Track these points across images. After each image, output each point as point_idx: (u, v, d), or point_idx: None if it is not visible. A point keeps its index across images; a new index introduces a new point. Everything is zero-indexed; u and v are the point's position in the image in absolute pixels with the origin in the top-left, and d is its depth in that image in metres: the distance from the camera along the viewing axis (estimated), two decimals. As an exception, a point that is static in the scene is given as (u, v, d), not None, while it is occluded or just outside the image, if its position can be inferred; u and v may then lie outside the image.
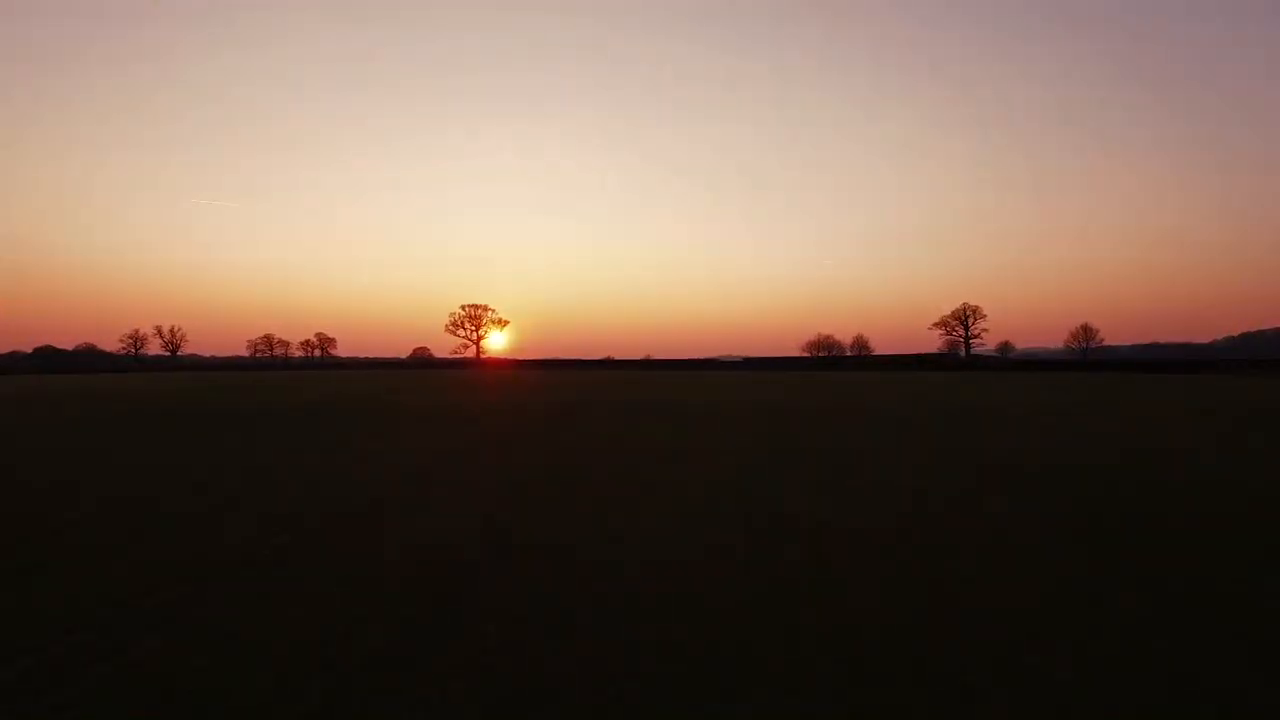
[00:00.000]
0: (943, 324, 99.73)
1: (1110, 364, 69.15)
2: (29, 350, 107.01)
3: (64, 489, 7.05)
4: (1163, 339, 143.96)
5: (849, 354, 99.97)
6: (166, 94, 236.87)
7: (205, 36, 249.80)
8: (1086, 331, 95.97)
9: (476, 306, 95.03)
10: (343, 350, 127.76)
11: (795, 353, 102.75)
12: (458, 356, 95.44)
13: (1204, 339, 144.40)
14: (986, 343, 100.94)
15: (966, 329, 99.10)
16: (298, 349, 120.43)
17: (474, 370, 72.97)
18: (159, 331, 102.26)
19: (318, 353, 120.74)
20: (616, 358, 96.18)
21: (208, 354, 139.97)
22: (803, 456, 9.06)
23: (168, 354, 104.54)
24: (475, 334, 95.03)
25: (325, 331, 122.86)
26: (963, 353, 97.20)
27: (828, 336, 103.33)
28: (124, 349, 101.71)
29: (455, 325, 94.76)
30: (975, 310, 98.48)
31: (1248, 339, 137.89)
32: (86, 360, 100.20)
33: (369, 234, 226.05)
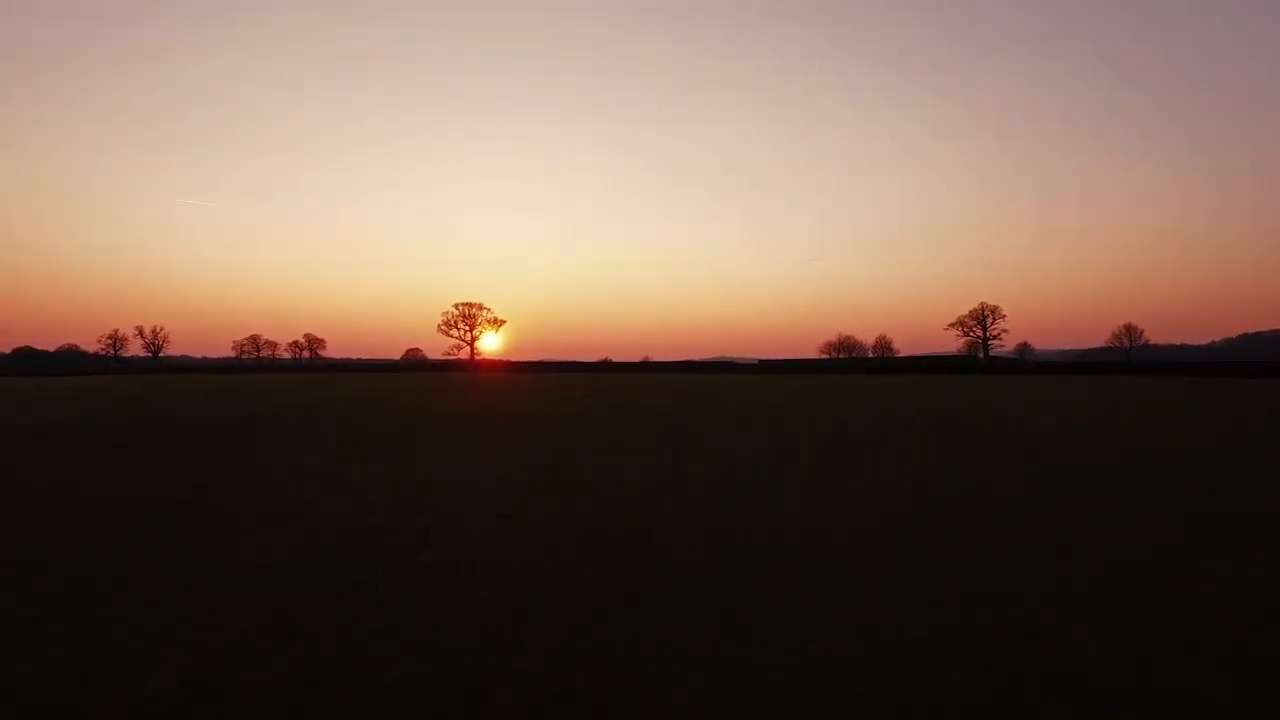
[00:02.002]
0: (959, 324, 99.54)
1: (1144, 366, 68.16)
2: (7, 351, 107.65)
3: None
4: (1159, 340, 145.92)
5: (871, 355, 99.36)
6: (159, 95, 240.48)
7: (203, 37, 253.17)
8: (1130, 332, 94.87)
9: (470, 305, 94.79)
10: (332, 351, 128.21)
11: (812, 354, 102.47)
12: (450, 358, 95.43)
13: (1202, 340, 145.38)
14: (1005, 344, 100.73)
15: (985, 330, 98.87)
16: (285, 350, 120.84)
17: (468, 373, 73.01)
18: (140, 332, 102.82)
19: (306, 354, 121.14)
20: (615, 360, 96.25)
21: (197, 355, 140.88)
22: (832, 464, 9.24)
23: (149, 355, 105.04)
24: (469, 334, 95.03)
25: (314, 332, 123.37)
26: (981, 354, 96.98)
27: (848, 337, 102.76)
28: (103, 349, 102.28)
29: (448, 325, 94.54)
30: (994, 310, 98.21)
31: (1246, 340, 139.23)
32: (70, 361, 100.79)
33: (360, 233, 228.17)
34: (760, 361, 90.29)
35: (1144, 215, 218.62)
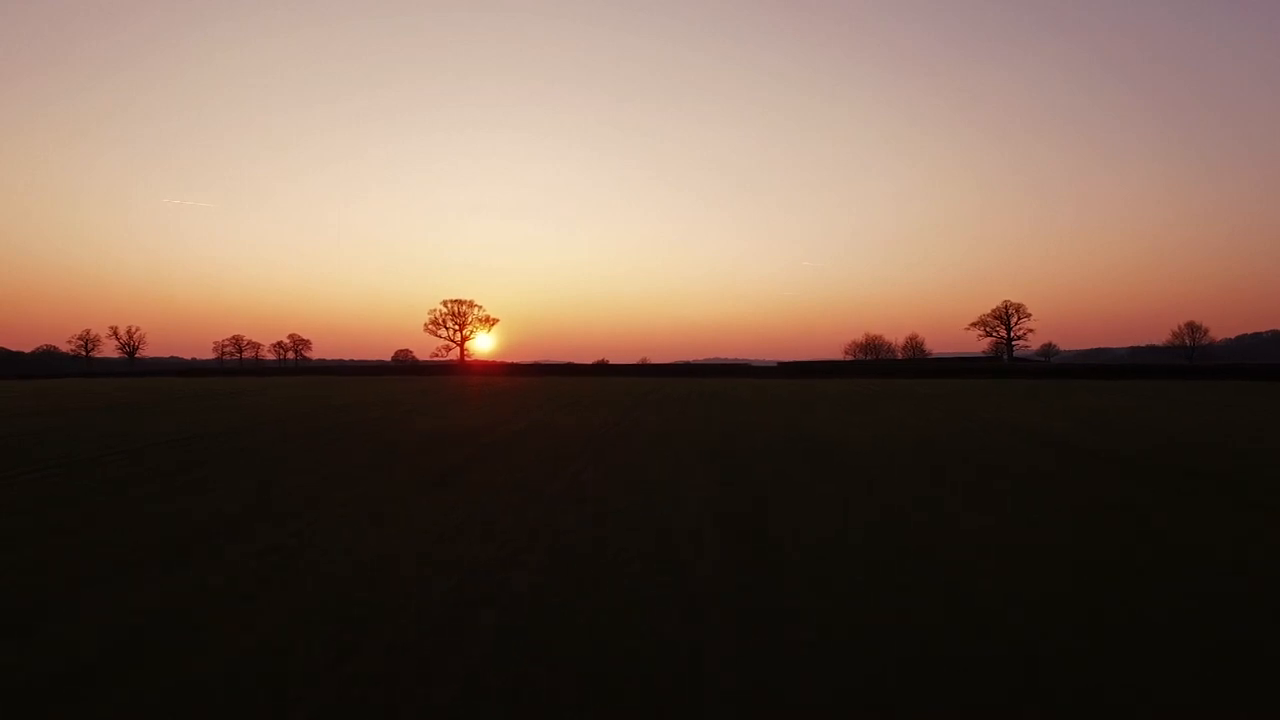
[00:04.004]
0: (981, 324, 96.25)
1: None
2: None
3: None
4: (1161, 341, 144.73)
5: (900, 357, 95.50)
6: (149, 95, 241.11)
7: (192, 36, 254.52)
8: (1193, 331, 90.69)
9: (460, 302, 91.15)
10: (318, 352, 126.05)
11: (820, 354, 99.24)
12: (438, 359, 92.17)
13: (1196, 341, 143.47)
14: (1030, 344, 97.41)
15: (1009, 329, 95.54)
16: (269, 351, 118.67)
17: (462, 376, 69.91)
18: (114, 332, 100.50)
19: (291, 355, 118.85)
20: (612, 361, 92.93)
21: (186, 357, 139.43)
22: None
23: (125, 356, 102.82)
24: (459, 334, 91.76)
25: (299, 332, 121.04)
26: (1005, 356, 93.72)
27: (876, 337, 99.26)
28: (74, 351, 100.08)
29: (436, 324, 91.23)
30: (1019, 309, 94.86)
31: (1242, 341, 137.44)
32: (48, 364, 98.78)
33: (349, 233, 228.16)
34: (779, 364, 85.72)
35: (1140, 215, 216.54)
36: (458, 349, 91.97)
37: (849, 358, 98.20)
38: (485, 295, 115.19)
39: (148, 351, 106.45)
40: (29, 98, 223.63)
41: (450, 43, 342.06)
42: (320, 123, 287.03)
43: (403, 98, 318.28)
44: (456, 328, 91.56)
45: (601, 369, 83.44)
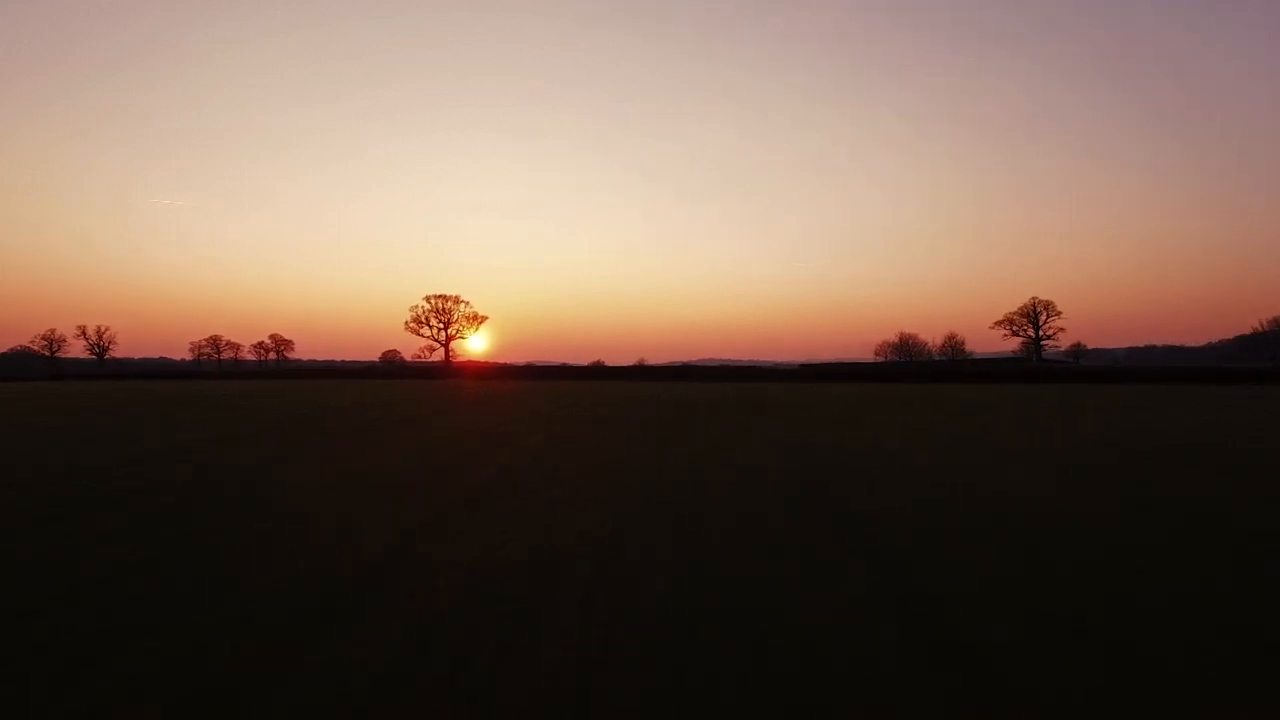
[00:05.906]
0: (1007, 322, 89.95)
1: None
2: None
3: None
4: (1154, 342, 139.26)
5: (938, 358, 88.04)
6: (151, 95, 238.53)
7: (193, 37, 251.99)
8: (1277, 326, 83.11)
9: (444, 298, 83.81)
10: (306, 353, 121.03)
11: (859, 355, 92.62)
12: (420, 360, 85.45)
13: (1194, 342, 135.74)
14: (1060, 343, 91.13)
15: (1037, 328, 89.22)
16: (249, 352, 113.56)
17: (455, 379, 63.71)
18: (83, 332, 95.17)
19: (272, 356, 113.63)
20: (609, 363, 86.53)
21: (176, 358, 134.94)
22: None
23: (94, 357, 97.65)
24: (443, 333, 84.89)
25: (282, 333, 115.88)
26: (1034, 357, 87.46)
27: (910, 336, 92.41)
28: (40, 350, 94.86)
29: (418, 322, 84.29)
30: (1048, 306, 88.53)
31: (1241, 340, 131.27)
32: (24, 365, 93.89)
33: (346, 233, 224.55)
34: (802, 365, 78.02)
35: (1130, 215, 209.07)
36: (442, 349, 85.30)
37: (879, 358, 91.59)
38: (485, 295, 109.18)
39: (119, 352, 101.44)
40: (29, 98, 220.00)
41: (450, 43, 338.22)
42: (320, 123, 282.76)
43: (403, 98, 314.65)
44: (441, 326, 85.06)
45: (598, 371, 76.94)
